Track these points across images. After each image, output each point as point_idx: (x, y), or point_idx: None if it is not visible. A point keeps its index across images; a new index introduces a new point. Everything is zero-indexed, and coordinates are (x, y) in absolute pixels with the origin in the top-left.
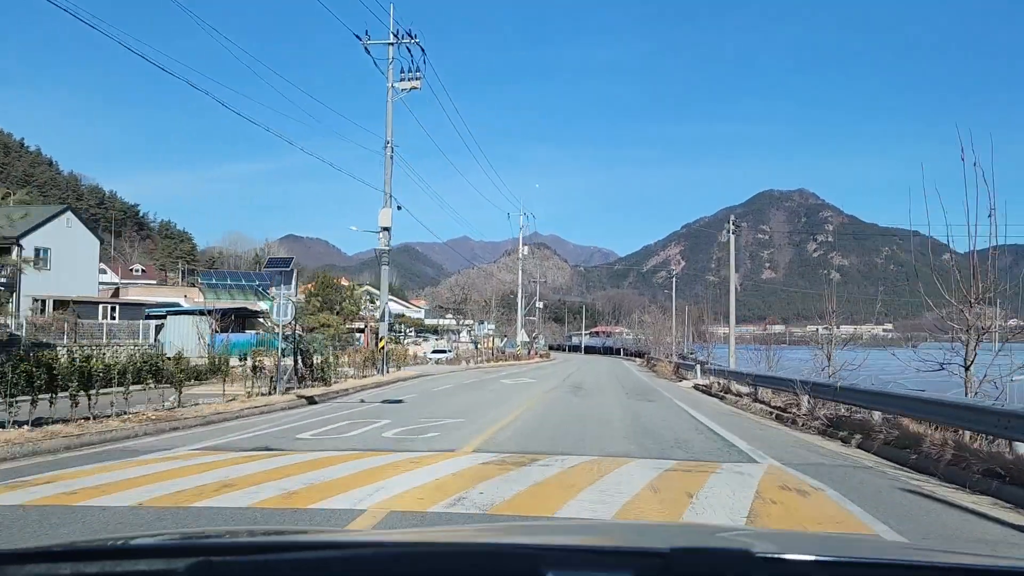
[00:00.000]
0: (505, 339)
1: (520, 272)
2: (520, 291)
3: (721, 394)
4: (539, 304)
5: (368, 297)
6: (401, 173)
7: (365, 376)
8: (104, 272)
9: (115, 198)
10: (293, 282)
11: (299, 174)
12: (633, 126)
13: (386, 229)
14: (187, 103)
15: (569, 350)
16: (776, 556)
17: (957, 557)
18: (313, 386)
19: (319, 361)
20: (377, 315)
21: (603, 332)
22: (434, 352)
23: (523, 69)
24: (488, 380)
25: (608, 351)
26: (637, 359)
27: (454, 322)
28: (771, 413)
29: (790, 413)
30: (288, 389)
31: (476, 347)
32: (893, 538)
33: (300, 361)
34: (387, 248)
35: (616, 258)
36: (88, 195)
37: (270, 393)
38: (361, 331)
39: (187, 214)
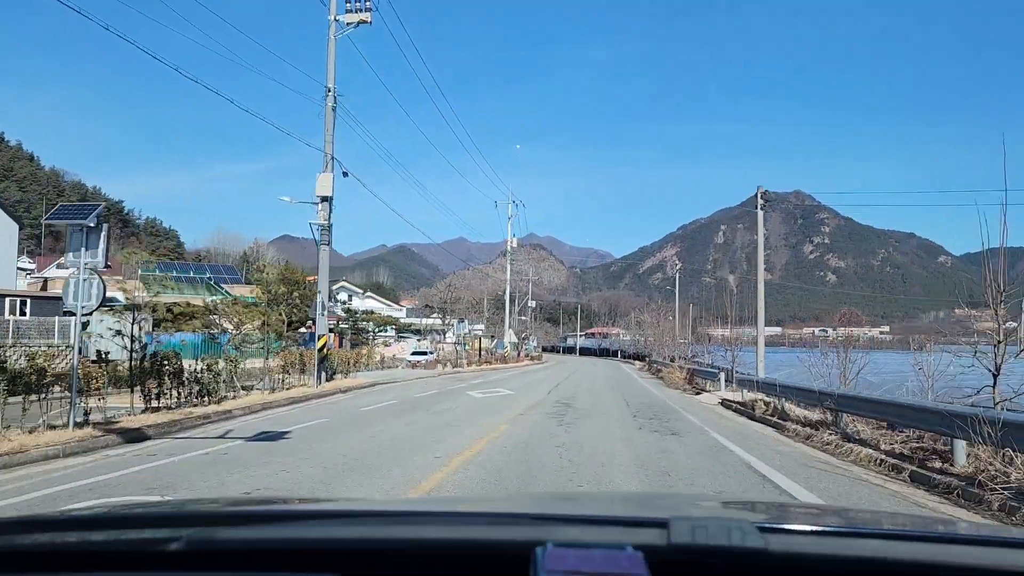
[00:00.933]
0: (495, 340)
1: (508, 266)
2: (508, 287)
3: (776, 420)
4: (531, 303)
5: (347, 294)
6: (396, 174)
7: (289, 387)
8: (64, 268)
9: (98, 194)
10: (101, 245)
11: (296, 173)
12: (629, 128)
13: (326, 199)
14: (187, 102)
15: (563, 352)
16: (778, 526)
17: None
18: (193, 404)
19: (196, 369)
20: (340, 312)
21: (599, 333)
22: (413, 354)
23: (520, 70)
24: (452, 392)
25: (604, 353)
26: (636, 362)
27: (440, 322)
28: (895, 468)
29: (941, 472)
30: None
31: (464, 348)
32: None
33: (152, 369)
34: (327, 223)
35: (612, 259)
36: (70, 191)
37: (65, 425)
38: (328, 331)
39: (187, 214)
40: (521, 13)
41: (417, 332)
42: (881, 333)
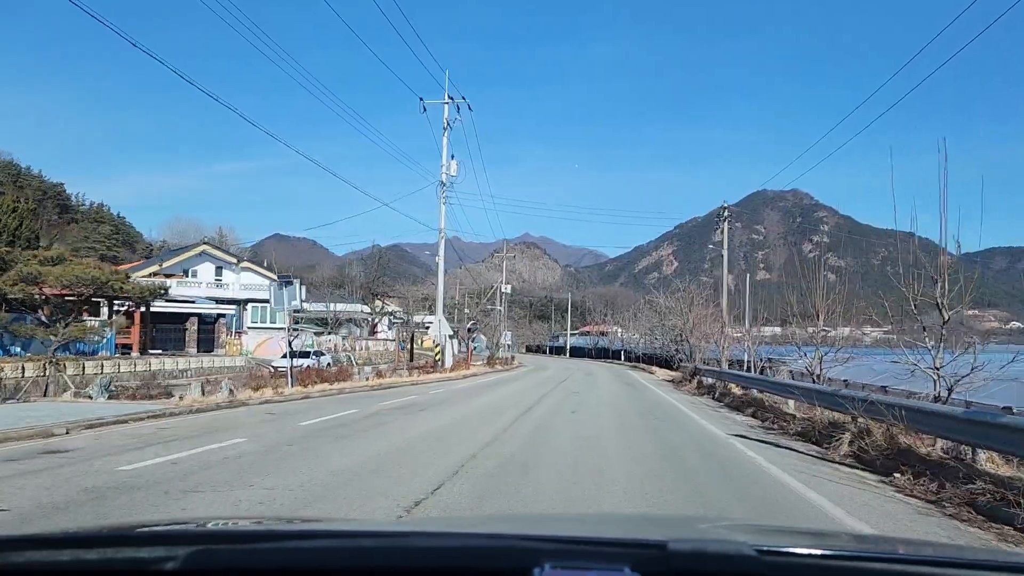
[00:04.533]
0: (472, 339)
1: (442, 210)
2: (441, 248)
3: None
4: (505, 288)
5: (214, 264)
6: (395, 170)
7: None
8: None
9: (32, 175)
10: None
11: (288, 172)
12: (625, 128)
13: None
14: (180, 103)
15: (551, 352)
16: (777, 548)
17: (951, 551)
18: None
19: None
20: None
21: (595, 331)
22: (288, 357)
23: (515, 71)
24: None
25: (602, 354)
26: (656, 369)
27: (368, 311)
28: None
29: None
30: None
31: (403, 348)
32: None
33: None
34: None
35: (607, 259)
36: None
37: None
38: (121, 312)
39: (178, 212)
40: (516, 13)
41: (324, 323)
42: (885, 333)
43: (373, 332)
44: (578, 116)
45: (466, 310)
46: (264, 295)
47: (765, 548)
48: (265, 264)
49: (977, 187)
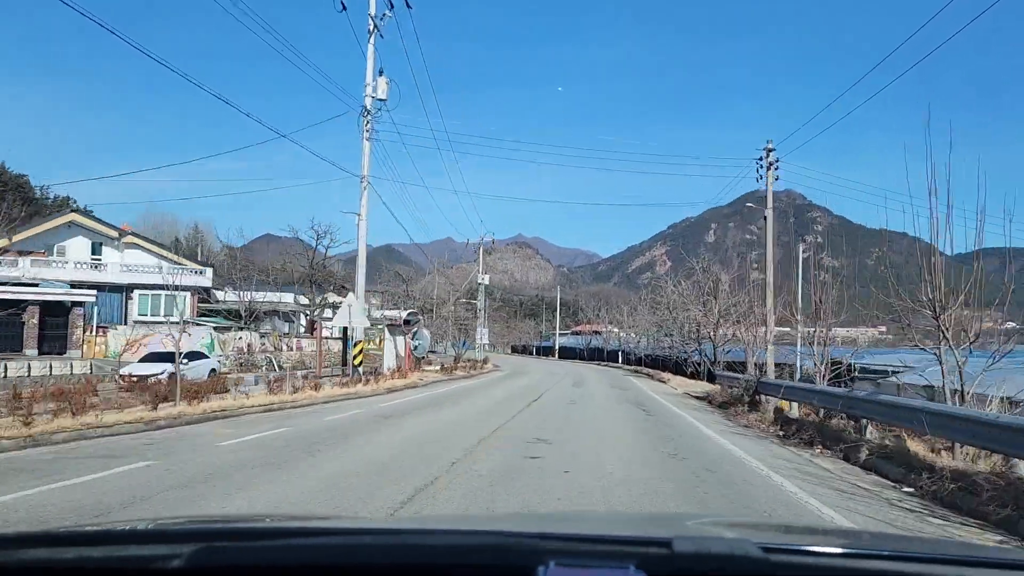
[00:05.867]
0: (412, 334)
1: (365, 147)
2: (365, 195)
3: None
4: (483, 279)
5: (89, 240)
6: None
7: None
8: None
9: None
10: None
11: (281, 171)
12: (620, 129)
13: None
14: (171, 100)
15: (539, 352)
16: (782, 546)
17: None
18: None
19: None
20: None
21: (587, 331)
22: (147, 360)
23: (517, 72)
24: None
25: (596, 355)
26: (668, 377)
27: (298, 301)
28: None
29: None
30: None
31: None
32: None
33: None
34: None
35: (600, 259)
36: None
37: None
38: None
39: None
40: (519, 13)
41: (237, 315)
42: (880, 333)
43: (312, 329)
44: (580, 116)
45: (451, 307)
46: (155, 279)
47: (771, 546)
48: (172, 244)
49: (967, 187)
